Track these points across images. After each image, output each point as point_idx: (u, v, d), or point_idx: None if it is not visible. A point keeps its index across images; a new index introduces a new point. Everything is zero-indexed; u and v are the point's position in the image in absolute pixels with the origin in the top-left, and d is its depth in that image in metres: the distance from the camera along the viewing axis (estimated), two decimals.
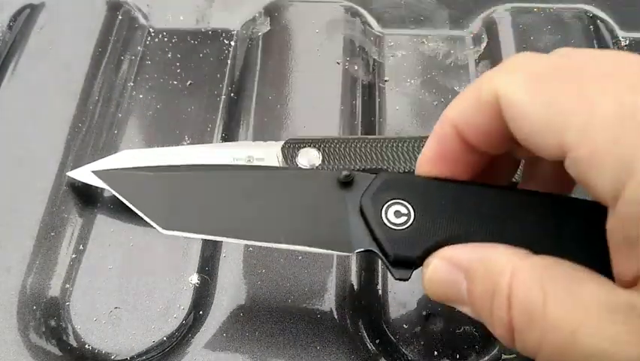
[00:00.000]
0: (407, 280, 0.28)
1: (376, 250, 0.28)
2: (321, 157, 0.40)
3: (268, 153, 0.41)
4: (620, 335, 0.20)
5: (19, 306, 0.36)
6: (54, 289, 0.38)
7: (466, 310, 0.25)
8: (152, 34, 0.52)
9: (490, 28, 0.52)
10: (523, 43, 0.50)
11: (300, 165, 0.40)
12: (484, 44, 0.51)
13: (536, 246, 0.25)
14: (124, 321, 0.37)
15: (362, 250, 0.29)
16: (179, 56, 0.51)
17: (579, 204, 0.27)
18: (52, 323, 0.37)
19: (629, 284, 0.20)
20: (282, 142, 0.41)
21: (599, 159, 0.19)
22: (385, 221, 0.28)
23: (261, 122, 0.45)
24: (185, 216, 0.30)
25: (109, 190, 0.41)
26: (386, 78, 0.49)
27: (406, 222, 0.28)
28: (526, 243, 0.26)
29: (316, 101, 0.46)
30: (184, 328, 0.37)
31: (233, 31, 0.52)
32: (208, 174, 0.31)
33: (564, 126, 0.20)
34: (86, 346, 0.36)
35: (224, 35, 0.52)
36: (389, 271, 0.29)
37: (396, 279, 0.28)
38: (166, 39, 0.52)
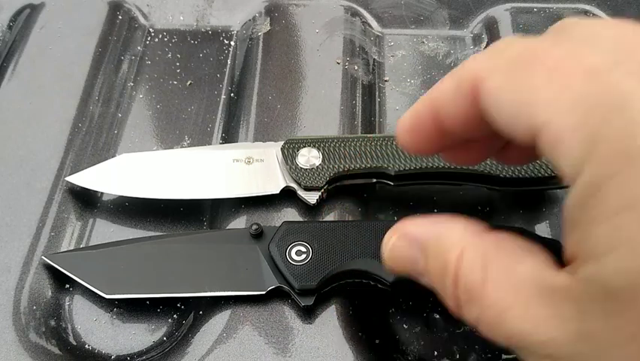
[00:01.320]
0: (311, 305, 0.35)
1: (284, 285, 0.35)
2: (321, 157, 0.40)
3: (268, 154, 0.41)
4: (542, 318, 0.20)
5: (18, 306, 0.37)
6: (54, 289, 0.38)
7: (424, 281, 0.26)
8: (152, 34, 0.52)
9: (490, 28, 0.52)
10: None
11: (300, 165, 0.40)
12: (484, 44, 0.51)
13: None
14: (124, 321, 0.37)
15: (273, 286, 0.35)
16: (179, 56, 0.51)
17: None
18: (52, 323, 0.37)
19: (568, 264, 0.21)
20: (282, 142, 0.41)
21: (564, 141, 0.20)
22: (289, 260, 0.35)
23: (261, 122, 0.45)
24: (124, 282, 0.36)
25: (108, 194, 0.41)
26: (386, 78, 0.49)
27: (305, 258, 0.35)
28: None
29: (316, 101, 0.46)
30: (184, 328, 0.37)
31: (233, 31, 0.52)
32: (141, 245, 0.38)
33: (534, 111, 0.21)
34: (86, 346, 0.36)
35: (224, 35, 0.52)
36: (297, 300, 0.35)
37: (302, 306, 0.35)
38: (166, 39, 0.52)
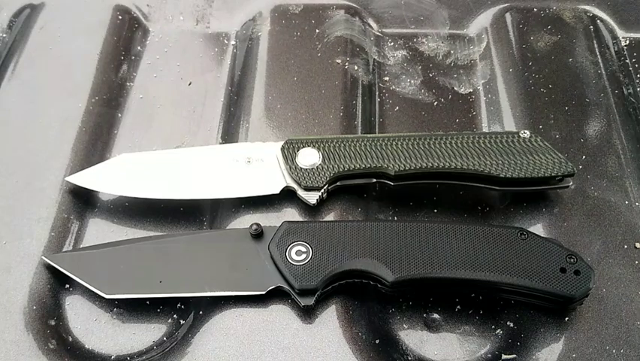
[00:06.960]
0: (312, 306, 0.35)
1: (284, 285, 0.35)
2: (321, 157, 0.40)
3: (267, 154, 0.41)
4: None
5: (19, 306, 0.37)
6: (54, 289, 0.38)
7: None
8: (152, 34, 0.52)
9: (490, 28, 0.52)
10: (524, 44, 0.50)
11: (300, 165, 0.40)
12: (484, 44, 0.51)
13: None
14: (124, 321, 0.37)
15: (273, 286, 0.35)
16: (179, 56, 0.51)
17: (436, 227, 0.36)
18: (52, 323, 0.37)
19: None
20: (282, 142, 0.41)
21: None
22: (289, 260, 0.35)
23: (261, 122, 0.45)
24: (124, 282, 0.36)
25: (108, 194, 0.41)
26: (386, 78, 0.49)
27: (305, 258, 0.35)
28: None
29: (316, 101, 0.46)
30: (184, 328, 0.37)
31: (233, 31, 0.52)
32: (141, 245, 0.38)
33: None
34: (86, 346, 0.36)
35: (224, 35, 0.52)
36: (297, 300, 0.35)
37: (302, 306, 0.35)
38: (166, 39, 0.52)
